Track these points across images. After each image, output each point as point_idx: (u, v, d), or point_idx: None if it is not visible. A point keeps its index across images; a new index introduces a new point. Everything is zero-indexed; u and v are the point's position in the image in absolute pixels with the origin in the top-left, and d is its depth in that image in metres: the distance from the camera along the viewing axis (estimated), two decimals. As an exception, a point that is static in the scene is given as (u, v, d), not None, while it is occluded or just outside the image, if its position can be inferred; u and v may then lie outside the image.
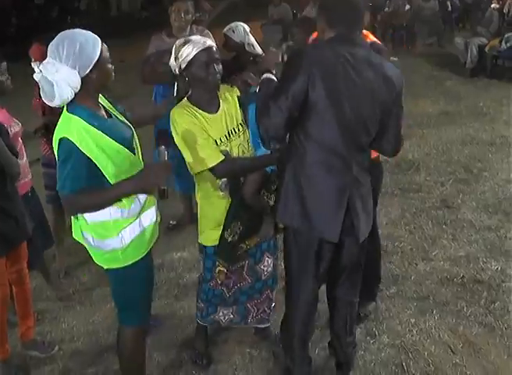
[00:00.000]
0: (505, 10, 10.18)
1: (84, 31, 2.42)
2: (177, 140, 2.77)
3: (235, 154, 2.85)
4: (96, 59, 2.36)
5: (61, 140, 2.36)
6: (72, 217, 2.63)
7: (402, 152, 3.30)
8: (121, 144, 2.46)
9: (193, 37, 2.82)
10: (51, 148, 2.52)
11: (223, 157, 2.72)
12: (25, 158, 3.51)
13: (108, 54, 2.46)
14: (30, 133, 3.92)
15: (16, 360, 3.47)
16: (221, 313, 3.17)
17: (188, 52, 2.72)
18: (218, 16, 13.31)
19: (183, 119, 2.74)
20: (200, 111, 2.79)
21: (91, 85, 2.40)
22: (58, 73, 2.30)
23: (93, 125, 2.38)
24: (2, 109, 3.36)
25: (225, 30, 4.57)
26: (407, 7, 12.94)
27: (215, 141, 2.78)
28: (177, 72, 2.81)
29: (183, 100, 2.84)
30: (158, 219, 2.77)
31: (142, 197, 2.56)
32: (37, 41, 3.81)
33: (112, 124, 2.52)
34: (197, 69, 2.73)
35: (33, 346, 3.56)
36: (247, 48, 4.50)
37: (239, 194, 2.82)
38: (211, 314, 3.17)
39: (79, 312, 4.02)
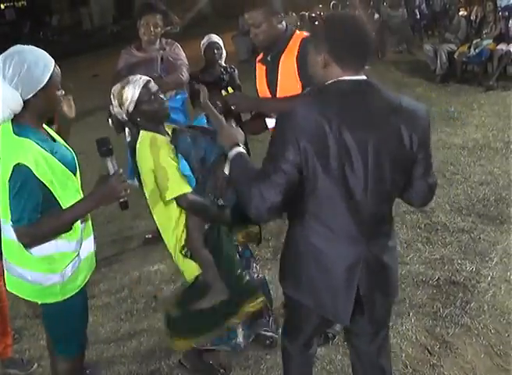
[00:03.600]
0: (472, 17, 10.41)
1: (37, 50, 2.26)
2: (151, 167, 2.67)
3: None
4: (43, 84, 2.21)
5: (15, 166, 2.15)
6: (5, 269, 2.52)
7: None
8: (66, 167, 2.35)
9: (129, 78, 2.76)
10: None
11: (190, 189, 2.69)
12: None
13: (58, 79, 2.30)
14: None
15: (-6, 379, 3.44)
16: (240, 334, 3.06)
17: (132, 93, 2.68)
18: (188, 27, 13.35)
19: (155, 149, 2.68)
20: (162, 137, 2.77)
21: (35, 109, 2.25)
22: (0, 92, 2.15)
23: (44, 148, 2.25)
24: None
25: (215, 40, 4.68)
26: (376, 16, 13.21)
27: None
28: (125, 117, 2.75)
29: (143, 133, 2.75)
30: (95, 248, 2.66)
31: (82, 227, 2.46)
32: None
33: (58, 147, 2.40)
34: (146, 106, 2.70)
35: (12, 364, 3.52)
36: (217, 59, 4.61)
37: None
38: (233, 338, 3.04)
39: (57, 329, 3.98)
